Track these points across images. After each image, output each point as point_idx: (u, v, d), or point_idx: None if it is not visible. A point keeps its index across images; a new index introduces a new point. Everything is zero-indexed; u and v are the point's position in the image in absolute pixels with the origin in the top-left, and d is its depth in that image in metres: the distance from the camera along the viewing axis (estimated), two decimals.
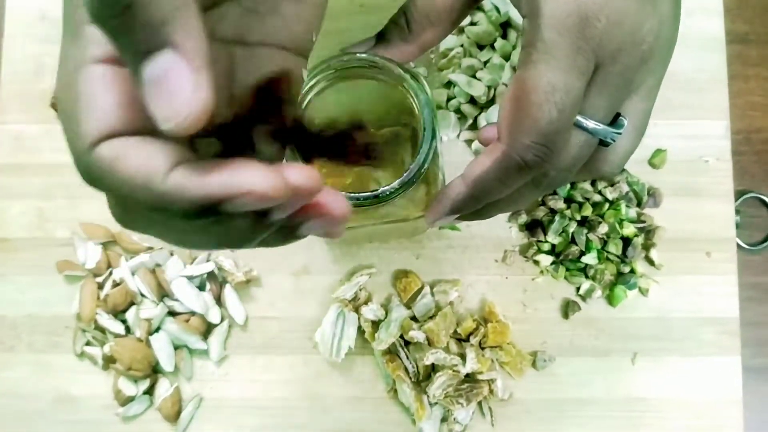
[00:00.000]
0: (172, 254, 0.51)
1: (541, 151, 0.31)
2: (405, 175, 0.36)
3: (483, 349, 0.50)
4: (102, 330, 0.51)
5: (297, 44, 0.31)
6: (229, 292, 0.51)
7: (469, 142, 0.52)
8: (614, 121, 0.33)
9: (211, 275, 0.51)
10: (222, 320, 0.51)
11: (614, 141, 0.33)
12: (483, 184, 0.34)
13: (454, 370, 0.48)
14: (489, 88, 0.51)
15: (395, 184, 0.36)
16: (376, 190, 0.36)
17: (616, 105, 0.33)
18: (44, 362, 0.52)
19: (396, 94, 0.39)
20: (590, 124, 0.32)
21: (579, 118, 0.32)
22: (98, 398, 0.51)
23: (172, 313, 0.51)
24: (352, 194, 0.36)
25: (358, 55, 0.37)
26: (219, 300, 0.51)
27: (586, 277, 0.51)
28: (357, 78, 0.39)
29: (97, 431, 0.51)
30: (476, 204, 0.36)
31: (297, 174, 0.23)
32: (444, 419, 0.49)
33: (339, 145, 0.31)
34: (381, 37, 0.37)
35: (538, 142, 0.31)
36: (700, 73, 0.53)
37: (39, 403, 0.51)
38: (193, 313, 0.51)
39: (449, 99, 0.52)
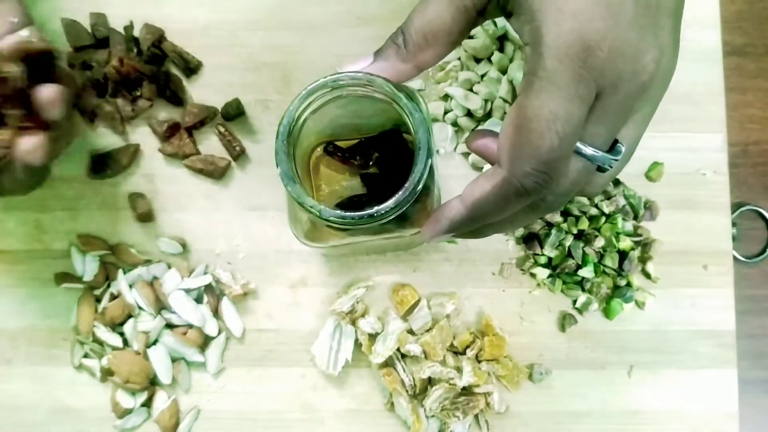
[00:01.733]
0: (169, 267, 0.51)
1: (540, 178, 0.32)
2: (400, 193, 0.36)
3: (480, 362, 0.50)
4: (100, 342, 0.51)
5: None
6: (226, 305, 0.51)
7: (465, 154, 0.53)
8: (612, 147, 0.34)
9: (208, 288, 0.51)
10: (219, 333, 0.51)
11: (611, 167, 0.34)
12: (481, 207, 0.34)
13: (450, 383, 0.48)
14: (486, 101, 0.51)
15: (390, 203, 0.36)
16: (372, 209, 0.36)
17: (615, 132, 0.33)
18: (42, 374, 0.52)
19: (392, 109, 0.39)
20: (589, 150, 0.32)
21: (578, 144, 0.32)
22: (96, 410, 0.51)
23: (169, 326, 0.51)
24: (348, 213, 0.36)
25: (353, 73, 0.37)
26: (216, 313, 0.51)
27: (583, 290, 0.51)
28: (353, 96, 0.39)
29: None
30: (473, 225, 0.36)
31: None
32: None
33: None
34: (378, 55, 0.37)
35: (538, 169, 0.31)
36: (697, 86, 0.53)
37: (37, 414, 0.51)
38: (190, 326, 0.51)
39: (446, 112, 0.52)
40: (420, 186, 0.36)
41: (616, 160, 0.34)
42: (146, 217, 0.52)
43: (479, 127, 0.51)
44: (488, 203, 0.34)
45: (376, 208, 0.36)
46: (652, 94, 0.34)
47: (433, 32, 0.35)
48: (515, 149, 0.32)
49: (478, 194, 0.34)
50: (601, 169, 0.34)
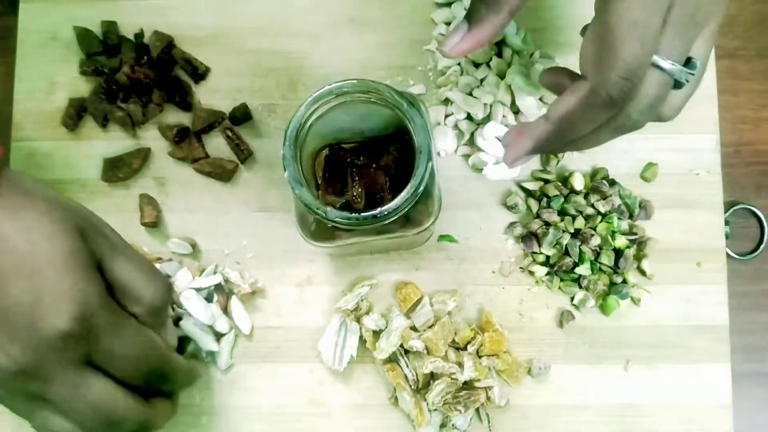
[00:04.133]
0: (180, 265, 0.53)
1: (626, 85, 0.33)
2: (402, 195, 0.38)
3: (480, 357, 0.51)
4: None
5: None
6: (235, 303, 0.53)
7: (466, 157, 0.54)
8: (686, 63, 0.36)
9: (218, 287, 0.53)
10: (230, 330, 0.53)
11: (687, 82, 0.35)
12: (568, 121, 0.36)
13: (452, 378, 0.50)
14: (485, 105, 0.52)
15: (393, 204, 0.38)
16: (375, 210, 0.38)
17: (688, 46, 0.35)
18: None
19: (395, 114, 0.41)
20: (667, 64, 0.34)
21: (656, 58, 0.34)
22: None
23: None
24: (353, 213, 0.38)
25: (356, 81, 0.39)
26: (226, 311, 0.53)
27: (580, 287, 0.52)
28: (357, 101, 0.40)
29: None
30: (559, 141, 0.37)
31: None
32: (443, 425, 0.51)
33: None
34: (472, 18, 0.39)
35: (623, 76, 0.33)
36: None
37: None
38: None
39: (447, 116, 0.54)
40: (421, 188, 0.38)
41: (692, 73, 0.35)
42: (152, 225, 0.54)
43: (479, 130, 0.53)
44: (575, 116, 0.35)
45: (379, 209, 0.38)
46: (716, 8, 0.36)
47: None
48: (600, 59, 0.34)
49: (564, 109, 0.36)
50: (677, 85, 0.36)
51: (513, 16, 0.39)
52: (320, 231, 0.43)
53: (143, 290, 0.41)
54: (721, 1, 0.36)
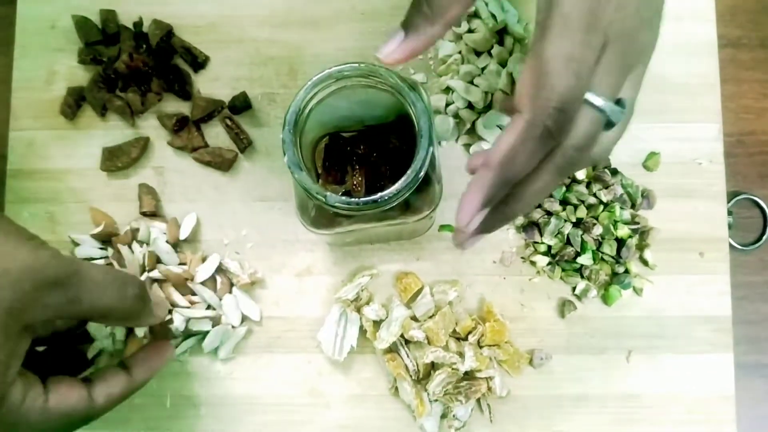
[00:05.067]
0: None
1: (560, 116, 0.34)
2: (403, 179, 0.38)
3: (481, 347, 0.51)
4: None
5: None
6: (239, 294, 0.52)
7: (467, 146, 0.54)
8: (616, 104, 0.36)
9: (221, 271, 0.53)
10: (242, 322, 0.52)
11: (618, 121, 0.36)
12: (509, 159, 0.35)
13: (453, 368, 0.50)
14: (486, 93, 0.52)
15: (393, 188, 0.37)
16: (375, 195, 0.37)
17: (619, 86, 0.36)
18: None
19: (395, 100, 0.40)
20: (599, 101, 0.35)
21: (589, 95, 0.35)
22: None
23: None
24: (353, 199, 0.38)
25: (356, 64, 0.38)
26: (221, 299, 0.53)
27: (582, 277, 0.52)
28: (357, 86, 0.40)
29: None
30: (503, 186, 0.36)
31: None
32: (444, 416, 0.51)
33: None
34: (408, 26, 0.38)
35: (558, 107, 0.34)
36: (694, 78, 0.54)
37: None
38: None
39: (448, 104, 0.53)
40: (422, 173, 0.38)
41: (623, 112, 0.36)
42: (151, 214, 0.53)
43: (480, 119, 0.52)
44: (515, 152, 0.35)
45: (379, 193, 0.37)
46: (645, 54, 0.37)
47: None
48: (535, 91, 0.34)
49: (504, 147, 0.35)
50: (609, 125, 0.36)
51: (449, 28, 0.39)
52: (320, 218, 0.43)
53: (117, 304, 0.39)
54: (650, 45, 0.38)
